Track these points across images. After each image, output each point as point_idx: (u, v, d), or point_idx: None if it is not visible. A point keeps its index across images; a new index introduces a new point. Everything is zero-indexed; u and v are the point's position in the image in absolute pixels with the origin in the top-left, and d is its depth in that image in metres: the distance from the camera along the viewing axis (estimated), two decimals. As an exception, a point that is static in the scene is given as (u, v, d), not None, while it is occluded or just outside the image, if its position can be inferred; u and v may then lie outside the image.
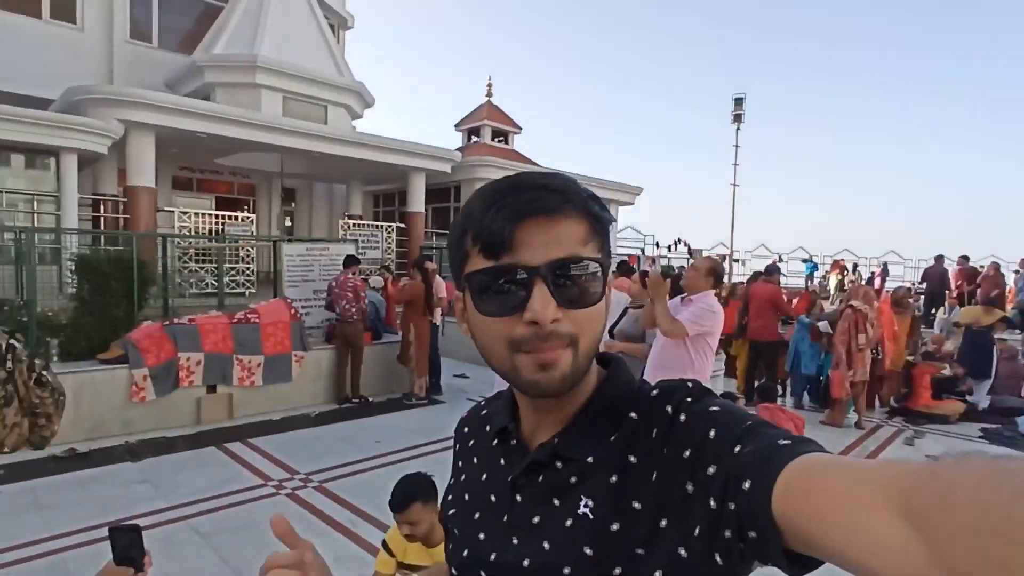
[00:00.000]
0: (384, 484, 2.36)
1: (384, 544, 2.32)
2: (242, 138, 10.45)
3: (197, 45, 12.22)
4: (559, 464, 0.62)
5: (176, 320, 5.87)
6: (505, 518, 0.65)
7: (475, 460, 0.75)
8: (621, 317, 4.24)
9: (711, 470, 0.51)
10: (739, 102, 21.73)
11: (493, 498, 0.68)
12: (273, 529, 0.59)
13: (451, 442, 0.83)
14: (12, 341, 4.77)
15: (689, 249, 22.15)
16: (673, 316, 3.39)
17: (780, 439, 0.49)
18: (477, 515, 0.69)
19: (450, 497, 0.77)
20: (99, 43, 11.96)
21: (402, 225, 13.10)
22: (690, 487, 0.53)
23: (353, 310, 6.47)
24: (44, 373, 4.82)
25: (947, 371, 6.97)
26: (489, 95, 17.66)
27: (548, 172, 0.63)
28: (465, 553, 0.68)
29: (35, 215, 9.36)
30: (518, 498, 0.65)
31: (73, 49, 11.55)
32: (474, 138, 17.42)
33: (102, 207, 10.69)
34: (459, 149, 15.19)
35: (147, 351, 5.34)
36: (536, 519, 0.62)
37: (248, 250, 10.43)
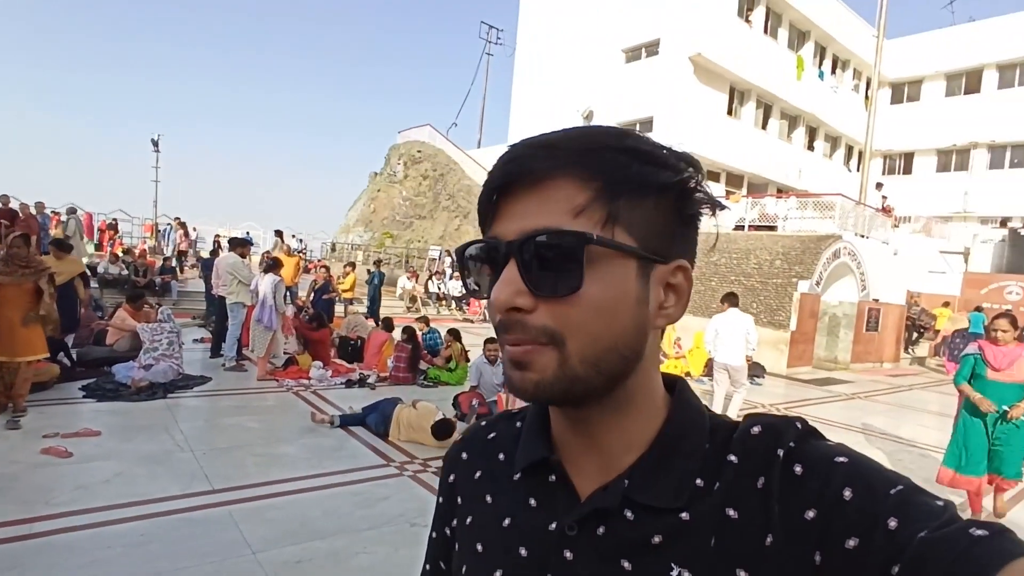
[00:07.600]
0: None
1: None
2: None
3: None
4: (630, 514, 0.48)
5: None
6: None
7: (488, 499, 0.58)
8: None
9: (851, 543, 0.41)
10: None
11: (524, 552, 0.52)
12: None
13: None
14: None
15: None
16: None
17: (966, 526, 0.39)
18: (499, 574, 0.53)
19: (458, 548, 0.59)
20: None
21: None
22: (818, 558, 0.42)
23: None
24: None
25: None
26: None
27: (571, 128, 0.48)
28: None
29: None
30: (567, 555, 0.50)
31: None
32: None
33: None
34: None
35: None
36: None
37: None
